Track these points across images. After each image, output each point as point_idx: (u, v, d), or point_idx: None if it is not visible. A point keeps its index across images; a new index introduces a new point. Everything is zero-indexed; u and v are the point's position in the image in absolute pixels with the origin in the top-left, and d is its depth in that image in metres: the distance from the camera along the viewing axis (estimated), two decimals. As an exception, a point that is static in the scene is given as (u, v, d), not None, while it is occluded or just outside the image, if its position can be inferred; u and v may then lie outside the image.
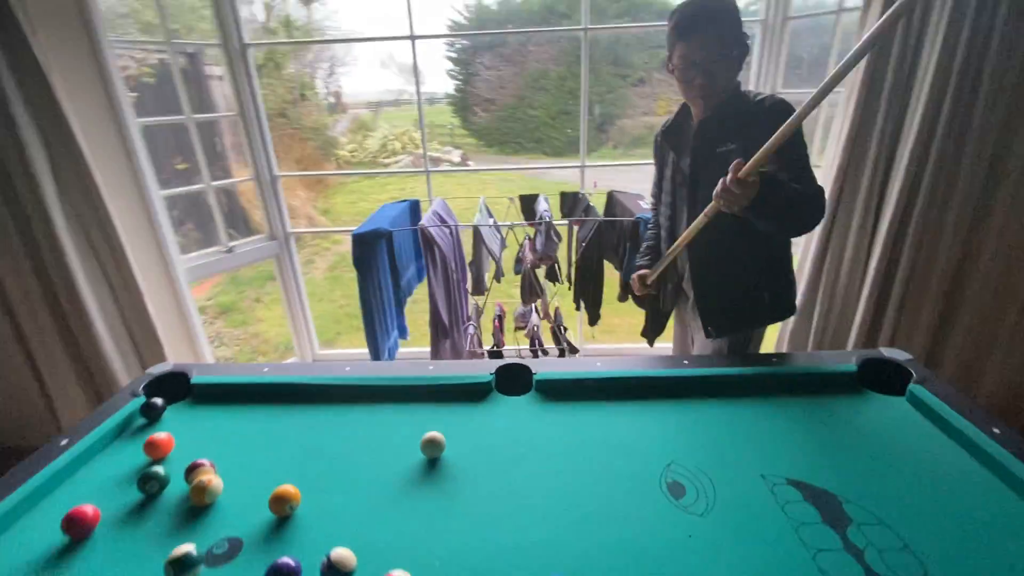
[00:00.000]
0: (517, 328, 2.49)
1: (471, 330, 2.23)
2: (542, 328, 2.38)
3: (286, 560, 0.71)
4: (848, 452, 0.98)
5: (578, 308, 2.08)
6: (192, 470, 0.91)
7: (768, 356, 1.27)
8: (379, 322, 1.96)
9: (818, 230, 1.93)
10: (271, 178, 2.40)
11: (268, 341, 4.65)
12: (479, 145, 15.16)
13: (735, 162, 1.05)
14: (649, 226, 1.55)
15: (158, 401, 1.13)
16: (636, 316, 1.85)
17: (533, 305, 2.39)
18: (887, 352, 1.25)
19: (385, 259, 1.80)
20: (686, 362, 1.24)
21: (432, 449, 0.96)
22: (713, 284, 1.37)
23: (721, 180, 1.07)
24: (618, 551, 0.77)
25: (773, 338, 2.36)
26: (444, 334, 1.94)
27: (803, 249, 2.02)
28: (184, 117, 2.20)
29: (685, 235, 1.29)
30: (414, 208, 2.18)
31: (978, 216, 1.74)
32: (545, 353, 2.22)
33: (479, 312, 2.33)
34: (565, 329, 2.25)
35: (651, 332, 1.86)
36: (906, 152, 1.69)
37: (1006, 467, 0.88)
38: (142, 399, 1.15)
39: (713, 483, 0.90)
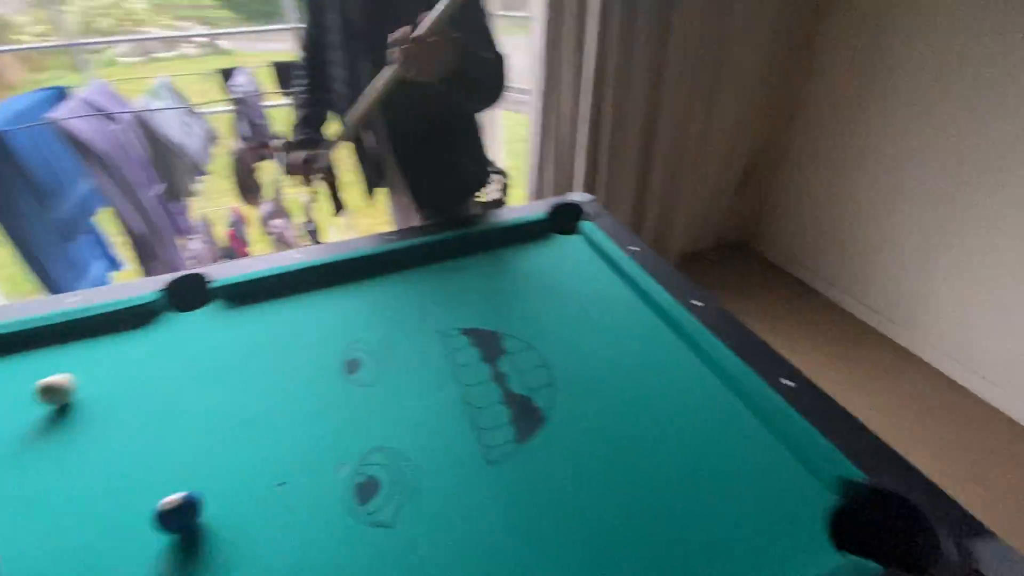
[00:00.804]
0: (268, 233, 2.22)
1: (196, 244, 1.91)
2: (293, 228, 2.16)
3: None
4: (523, 293, 1.07)
5: (312, 199, 1.91)
6: None
7: (467, 218, 1.30)
8: (49, 256, 1.54)
9: (540, 88, 1.98)
10: None
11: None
12: (237, 18, 12.27)
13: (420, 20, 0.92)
14: (301, 91, 1.28)
15: None
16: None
17: (277, 203, 2.13)
18: (574, 196, 1.38)
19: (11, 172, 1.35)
20: (383, 239, 1.20)
21: (52, 396, 0.79)
22: (422, 162, 1.30)
23: (396, 42, 0.94)
24: (277, 444, 0.74)
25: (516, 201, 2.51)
26: (149, 255, 1.61)
27: (532, 108, 2.08)
28: None
29: (360, 107, 1.12)
30: (62, 98, 1.64)
31: (657, 65, 1.95)
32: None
33: (208, 222, 1.99)
34: (314, 227, 2.07)
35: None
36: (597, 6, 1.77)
37: (637, 282, 1.05)
38: None
39: (391, 350, 0.91)
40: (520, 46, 2.11)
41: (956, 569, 0.53)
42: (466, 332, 0.95)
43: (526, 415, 0.77)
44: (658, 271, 1.05)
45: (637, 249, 1.15)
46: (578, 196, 1.37)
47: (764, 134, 2.45)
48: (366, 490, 0.67)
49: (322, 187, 1.38)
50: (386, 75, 1.05)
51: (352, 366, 0.88)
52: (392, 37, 0.95)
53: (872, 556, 0.56)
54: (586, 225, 1.25)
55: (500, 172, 1.87)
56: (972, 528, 0.58)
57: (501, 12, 2.13)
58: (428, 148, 1.26)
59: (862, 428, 0.71)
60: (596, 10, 1.79)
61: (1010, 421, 1.77)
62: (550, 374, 0.85)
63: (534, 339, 0.93)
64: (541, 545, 0.60)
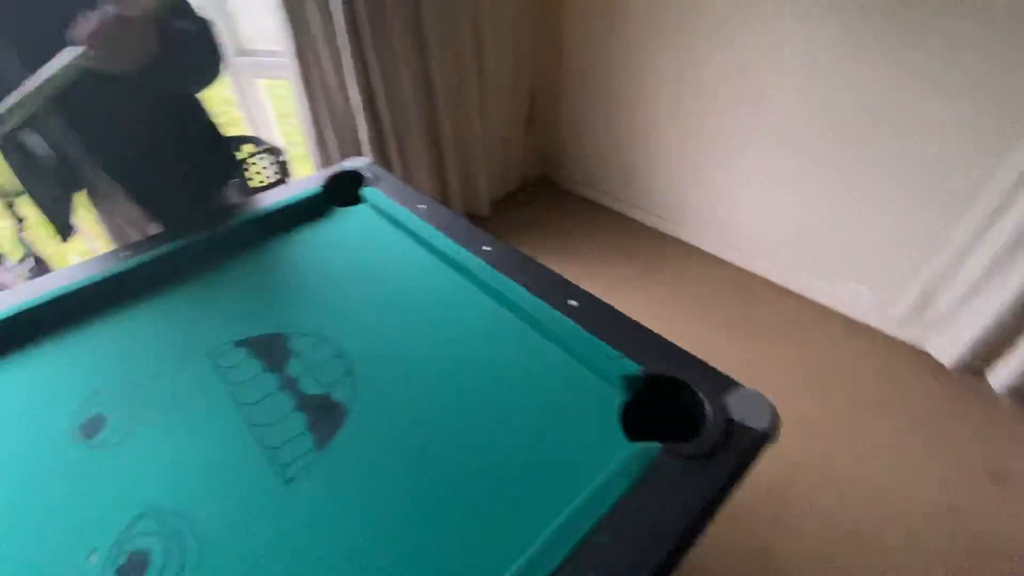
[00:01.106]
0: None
1: None
2: (7, 270, 1.67)
3: None
4: (307, 282, 0.96)
5: (22, 227, 1.48)
6: None
7: (223, 211, 1.11)
8: None
9: (292, 48, 1.76)
10: None
11: None
12: None
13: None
14: None
15: None
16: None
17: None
18: (349, 163, 1.26)
19: None
20: (117, 258, 0.97)
21: None
22: (137, 163, 1.03)
23: (87, 24, 0.73)
24: (-15, 562, 0.56)
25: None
26: None
27: (290, 72, 1.84)
28: None
29: (12, 105, 0.79)
30: None
31: (413, 12, 1.85)
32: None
33: None
34: (35, 262, 1.62)
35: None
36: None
37: (427, 240, 1.00)
38: None
39: (143, 392, 0.74)
40: (257, 3, 1.83)
41: (715, 425, 0.62)
42: (241, 344, 0.82)
43: (325, 415, 0.70)
44: (447, 224, 1.02)
45: (424, 206, 1.10)
46: (354, 162, 1.26)
47: (539, 70, 2.55)
48: (132, 569, 0.54)
49: (32, 208, 1.05)
50: (62, 62, 0.77)
51: (91, 427, 0.70)
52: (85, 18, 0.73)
53: (657, 437, 0.63)
54: (368, 191, 1.16)
55: (271, 150, 1.66)
56: (725, 385, 0.68)
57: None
58: (141, 146, 1.01)
59: (638, 326, 0.78)
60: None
61: (769, 283, 2.20)
62: (347, 363, 0.78)
63: (326, 329, 0.84)
64: (356, 550, 0.55)
